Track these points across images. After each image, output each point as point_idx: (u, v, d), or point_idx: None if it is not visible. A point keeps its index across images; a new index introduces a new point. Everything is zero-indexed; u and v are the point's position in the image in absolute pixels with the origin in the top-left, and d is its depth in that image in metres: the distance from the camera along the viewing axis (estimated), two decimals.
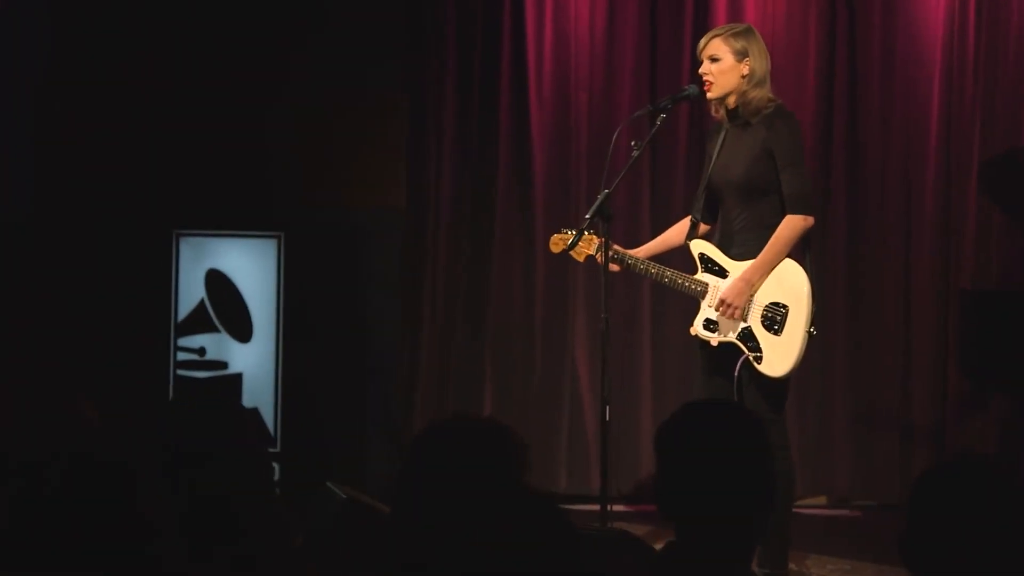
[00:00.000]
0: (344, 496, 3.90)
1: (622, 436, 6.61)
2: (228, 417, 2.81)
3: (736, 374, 5.05)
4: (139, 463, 2.49)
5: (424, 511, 2.44)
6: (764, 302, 5.08)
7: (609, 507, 5.13)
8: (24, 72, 6.75)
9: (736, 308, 5.05)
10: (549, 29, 6.90)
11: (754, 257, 5.09)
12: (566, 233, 5.36)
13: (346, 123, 6.89)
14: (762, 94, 5.12)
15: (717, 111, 5.22)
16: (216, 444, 2.73)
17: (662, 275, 5.20)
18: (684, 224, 5.36)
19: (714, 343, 5.12)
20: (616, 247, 5.23)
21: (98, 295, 6.66)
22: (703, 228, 5.33)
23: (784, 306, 5.07)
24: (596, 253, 5.24)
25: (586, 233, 5.25)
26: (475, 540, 2.06)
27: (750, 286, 5.06)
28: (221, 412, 2.81)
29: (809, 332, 5.05)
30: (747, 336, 5.07)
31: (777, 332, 5.05)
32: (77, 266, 6.69)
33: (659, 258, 5.34)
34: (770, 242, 5.06)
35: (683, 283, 5.19)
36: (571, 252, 5.32)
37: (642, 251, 5.36)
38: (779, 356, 5.04)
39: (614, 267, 5.22)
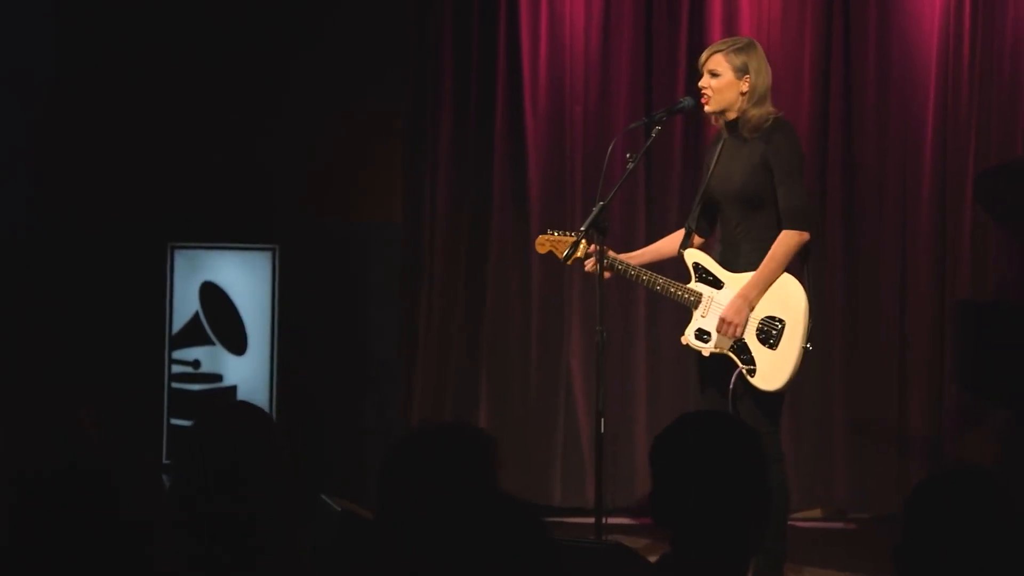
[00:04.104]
0: (339, 509, 3.89)
1: (617, 448, 6.60)
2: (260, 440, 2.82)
3: (731, 386, 5.04)
4: (134, 475, 2.48)
5: (400, 519, 2.45)
6: (760, 315, 5.07)
7: (604, 519, 5.11)
8: (23, 85, 6.75)
9: (736, 326, 5.04)
10: (544, 43, 6.91)
11: (750, 269, 5.09)
12: (551, 234, 5.36)
13: (342, 135, 6.89)
14: (761, 111, 5.09)
15: (717, 121, 5.22)
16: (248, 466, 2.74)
17: (653, 282, 5.19)
18: (678, 235, 5.35)
19: (705, 353, 5.12)
20: (609, 252, 5.21)
21: (93, 307, 6.65)
22: (697, 239, 5.31)
23: (781, 320, 5.06)
24: (583, 258, 5.22)
25: (573, 236, 5.26)
26: (450, 545, 2.07)
27: (748, 303, 5.05)
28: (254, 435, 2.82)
29: (805, 347, 5.05)
30: (741, 348, 5.07)
31: (772, 346, 5.05)
32: (72, 278, 6.69)
33: (651, 267, 5.32)
34: (767, 258, 5.05)
35: (675, 291, 5.17)
36: (557, 253, 5.31)
37: (633, 257, 5.33)
38: (773, 370, 5.03)
39: (602, 271, 5.19)
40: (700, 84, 5.15)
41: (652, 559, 2.76)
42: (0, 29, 6.66)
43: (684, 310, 5.23)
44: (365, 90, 6.89)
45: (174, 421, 6.62)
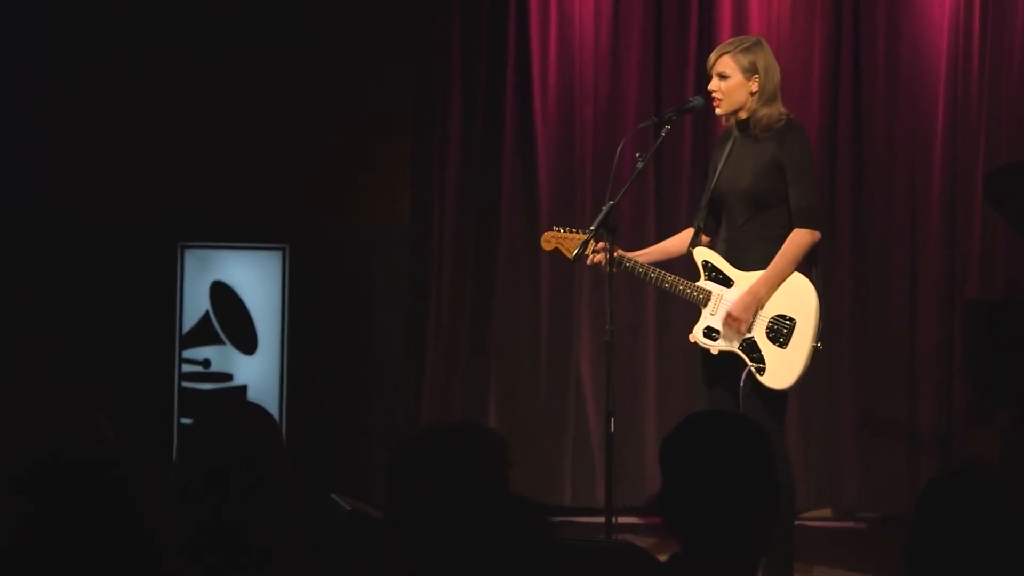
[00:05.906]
0: (348, 508, 3.90)
1: (627, 448, 6.60)
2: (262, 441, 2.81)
3: (741, 384, 5.05)
4: (145, 477, 2.49)
5: (409, 519, 2.46)
6: (770, 314, 5.08)
7: (614, 519, 5.12)
8: (31, 83, 6.76)
9: (743, 322, 5.06)
10: (554, 43, 6.90)
11: (760, 267, 5.09)
12: (558, 231, 5.36)
13: (351, 135, 6.89)
14: (772, 111, 5.11)
15: (727, 120, 5.22)
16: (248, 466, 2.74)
17: (662, 280, 5.20)
18: (686, 234, 5.36)
19: (714, 351, 5.13)
20: (617, 251, 5.21)
21: (103, 307, 6.66)
22: (705, 238, 5.32)
23: (791, 319, 5.07)
24: (588, 254, 5.22)
25: (579, 233, 5.26)
26: (458, 545, 2.07)
27: (757, 300, 5.07)
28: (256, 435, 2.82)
29: (815, 346, 5.06)
30: (750, 347, 5.07)
31: (783, 345, 5.05)
32: (82, 278, 6.69)
33: (658, 266, 5.33)
34: (777, 256, 5.07)
35: (684, 289, 5.18)
36: (563, 250, 5.31)
37: (642, 256, 5.34)
38: (783, 368, 5.04)
39: (611, 270, 5.19)
40: (710, 87, 5.17)
41: (662, 558, 2.76)
42: (0, 29, 6.66)
43: (693, 309, 5.24)
44: (373, 90, 6.88)
45: (184, 420, 6.62)
